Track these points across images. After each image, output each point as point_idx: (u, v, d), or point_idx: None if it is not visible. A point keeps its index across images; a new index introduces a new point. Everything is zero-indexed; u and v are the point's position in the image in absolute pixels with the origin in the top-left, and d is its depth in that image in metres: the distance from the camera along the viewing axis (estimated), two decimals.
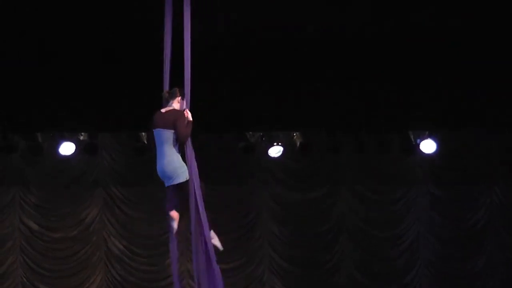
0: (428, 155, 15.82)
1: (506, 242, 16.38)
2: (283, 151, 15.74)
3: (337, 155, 16.05)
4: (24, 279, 15.82)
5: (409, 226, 16.46)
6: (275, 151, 15.75)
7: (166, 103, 8.59)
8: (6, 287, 15.72)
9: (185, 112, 8.41)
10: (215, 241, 8.56)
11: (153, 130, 8.55)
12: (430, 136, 15.58)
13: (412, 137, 15.67)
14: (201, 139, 15.15)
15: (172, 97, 8.56)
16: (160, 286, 16.03)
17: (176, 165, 8.46)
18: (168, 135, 8.42)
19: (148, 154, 15.19)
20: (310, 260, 16.32)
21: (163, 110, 8.54)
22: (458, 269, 16.32)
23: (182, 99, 8.55)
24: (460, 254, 16.36)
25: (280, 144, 15.70)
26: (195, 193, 8.32)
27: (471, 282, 16.31)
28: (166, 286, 15.85)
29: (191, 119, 8.39)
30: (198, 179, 8.38)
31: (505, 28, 13.65)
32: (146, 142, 15.26)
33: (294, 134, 15.69)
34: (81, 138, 15.27)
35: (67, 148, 15.25)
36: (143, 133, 15.23)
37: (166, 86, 8.65)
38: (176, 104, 8.54)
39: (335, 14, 13.31)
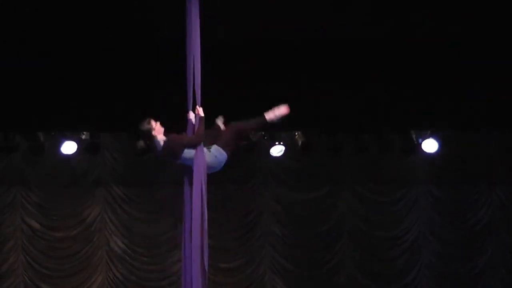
0: (429, 155, 15.79)
1: (506, 242, 16.38)
2: (284, 151, 15.73)
3: (338, 155, 16.03)
4: (26, 278, 15.83)
5: (409, 227, 16.46)
6: (277, 150, 15.75)
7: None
8: (8, 286, 15.73)
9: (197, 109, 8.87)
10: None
11: None
12: (432, 135, 15.55)
13: (414, 136, 15.65)
14: None
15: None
16: (161, 285, 16.04)
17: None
18: None
19: (149, 154, 15.23)
20: (311, 260, 16.32)
21: None
22: (459, 269, 16.31)
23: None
24: (461, 254, 16.36)
25: (282, 143, 15.70)
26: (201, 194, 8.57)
27: (471, 282, 16.31)
28: (168, 286, 15.87)
29: (202, 114, 8.89)
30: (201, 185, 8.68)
31: (505, 28, 13.64)
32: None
33: (296, 134, 15.68)
34: (83, 137, 15.28)
35: (68, 147, 15.26)
36: None
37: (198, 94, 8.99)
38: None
39: (335, 15, 13.31)
